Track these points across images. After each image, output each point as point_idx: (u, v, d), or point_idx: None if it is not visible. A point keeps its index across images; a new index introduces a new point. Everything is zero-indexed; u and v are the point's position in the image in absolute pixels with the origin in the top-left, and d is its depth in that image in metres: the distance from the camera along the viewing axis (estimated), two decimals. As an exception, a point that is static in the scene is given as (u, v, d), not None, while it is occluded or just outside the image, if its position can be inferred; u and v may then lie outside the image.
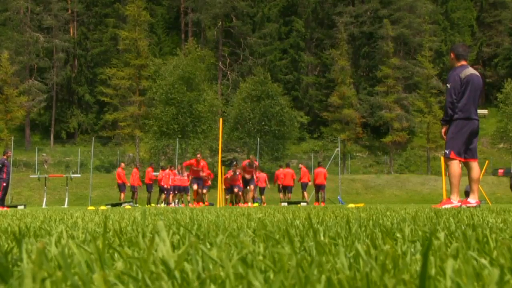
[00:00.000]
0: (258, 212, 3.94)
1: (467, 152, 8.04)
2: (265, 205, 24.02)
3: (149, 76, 54.03)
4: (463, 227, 1.74)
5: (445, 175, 24.68)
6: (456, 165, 7.97)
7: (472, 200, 8.05)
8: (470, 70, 8.13)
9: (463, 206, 7.72)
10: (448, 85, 8.07)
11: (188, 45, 53.91)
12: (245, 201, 24.39)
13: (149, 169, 29.90)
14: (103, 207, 16.19)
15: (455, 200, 7.89)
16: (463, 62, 8.19)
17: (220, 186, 20.66)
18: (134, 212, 4.17)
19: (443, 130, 8.25)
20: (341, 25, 61.34)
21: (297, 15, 65.38)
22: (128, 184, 28.90)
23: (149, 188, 29.31)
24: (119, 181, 28.72)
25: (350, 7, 65.95)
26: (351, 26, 63.89)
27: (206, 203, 24.55)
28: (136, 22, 55.23)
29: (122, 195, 29.09)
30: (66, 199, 29.72)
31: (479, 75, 8.32)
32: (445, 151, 8.05)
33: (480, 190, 21.71)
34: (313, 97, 62.16)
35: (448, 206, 7.58)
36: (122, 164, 30.99)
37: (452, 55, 8.27)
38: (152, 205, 25.46)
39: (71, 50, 61.27)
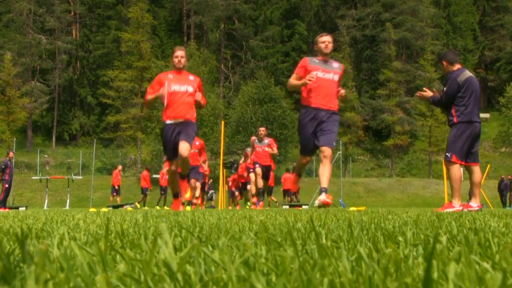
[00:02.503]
0: (259, 215, 3.94)
1: (468, 156, 8.03)
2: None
3: (151, 78, 54.07)
4: (465, 231, 1.74)
5: (447, 178, 24.68)
6: (457, 169, 7.96)
7: (474, 204, 8.04)
8: (468, 73, 8.14)
9: (465, 210, 7.72)
10: (445, 88, 8.08)
11: (189, 47, 53.95)
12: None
13: (164, 170, 29.90)
14: (104, 209, 16.19)
15: (457, 204, 7.88)
16: (458, 66, 8.19)
17: (222, 188, 20.57)
18: (135, 214, 4.17)
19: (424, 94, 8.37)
20: (344, 28, 61.39)
21: (300, 18, 65.41)
22: (116, 187, 29.15)
23: (162, 190, 29.31)
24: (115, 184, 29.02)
25: (352, 11, 65.98)
26: (354, 30, 63.92)
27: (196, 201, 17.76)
28: (138, 24, 55.32)
29: (112, 198, 29.29)
30: (68, 200, 29.74)
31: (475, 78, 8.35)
32: (447, 154, 8.03)
33: (482, 194, 21.67)
34: (315, 100, 62.10)
35: (449, 210, 7.57)
36: (119, 166, 31.05)
37: (444, 63, 8.22)
38: (157, 207, 25.29)
39: (73, 52, 61.35)
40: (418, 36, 61.31)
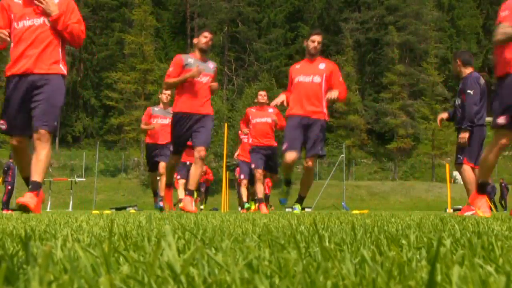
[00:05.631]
0: (263, 218, 3.94)
1: (478, 158, 8.03)
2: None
3: (155, 80, 54.16)
4: (468, 234, 1.74)
5: (450, 182, 24.60)
6: (469, 171, 7.94)
7: (477, 207, 8.01)
8: (481, 78, 8.17)
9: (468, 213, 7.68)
10: (471, 92, 7.89)
11: (193, 50, 54.02)
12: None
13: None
14: (107, 211, 16.18)
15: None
16: (471, 69, 8.19)
17: (225, 190, 20.48)
18: (138, 216, 4.18)
19: (466, 136, 7.96)
20: (347, 31, 61.40)
21: (303, 21, 65.43)
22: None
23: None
24: None
25: (356, 14, 65.99)
26: (357, 32, 63.92)
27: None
28: (142, 26, 55.41)
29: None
30: (71, 202, 29.75)
31: None
32: (458, 156, 8.02)
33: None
34: (318, 103, 62.12)
35: (469, 213, 7.51)
36: None
37: (458, 61, 8.21)
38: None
39: (77, 54, 61.46)
40: (421, 39, 61.29)
